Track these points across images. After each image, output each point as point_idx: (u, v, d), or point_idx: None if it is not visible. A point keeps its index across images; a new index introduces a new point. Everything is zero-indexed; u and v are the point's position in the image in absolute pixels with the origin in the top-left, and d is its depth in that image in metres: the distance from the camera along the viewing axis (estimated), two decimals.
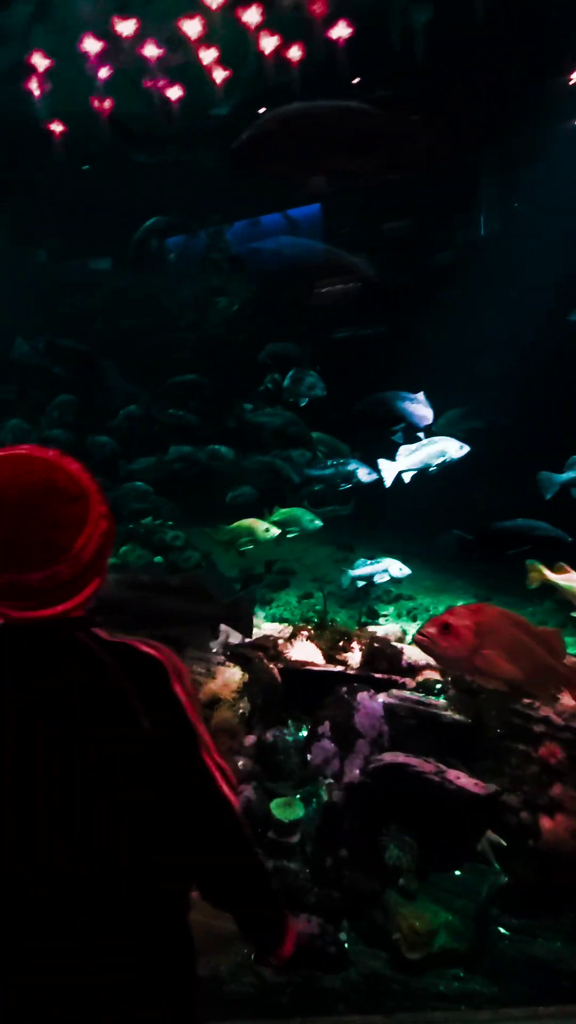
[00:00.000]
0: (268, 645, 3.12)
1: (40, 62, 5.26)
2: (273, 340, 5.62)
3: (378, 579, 4.95)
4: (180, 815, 0.89)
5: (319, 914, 1.89)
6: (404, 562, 5.09)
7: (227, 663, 3.16)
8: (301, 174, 2.26)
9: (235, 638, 3.27)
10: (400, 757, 2.10)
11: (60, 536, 0.83)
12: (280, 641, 3.16)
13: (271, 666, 2.96)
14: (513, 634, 1.71)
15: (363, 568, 4.94)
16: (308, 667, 2.89)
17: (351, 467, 4.88)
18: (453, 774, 2.04)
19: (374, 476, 4.61)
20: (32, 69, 5.26)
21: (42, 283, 7.47)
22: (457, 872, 1.98)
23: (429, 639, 1.68)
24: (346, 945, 1.85)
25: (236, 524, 4.82)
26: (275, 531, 4.90)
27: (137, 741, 0.85)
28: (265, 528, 4.85)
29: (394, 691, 2.64)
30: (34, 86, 5.41)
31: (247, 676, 3.00)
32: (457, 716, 2.41)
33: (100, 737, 0.84)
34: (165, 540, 5.66)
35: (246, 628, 2.69)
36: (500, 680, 1.70)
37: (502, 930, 1.77)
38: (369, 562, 4.97)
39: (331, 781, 2.37)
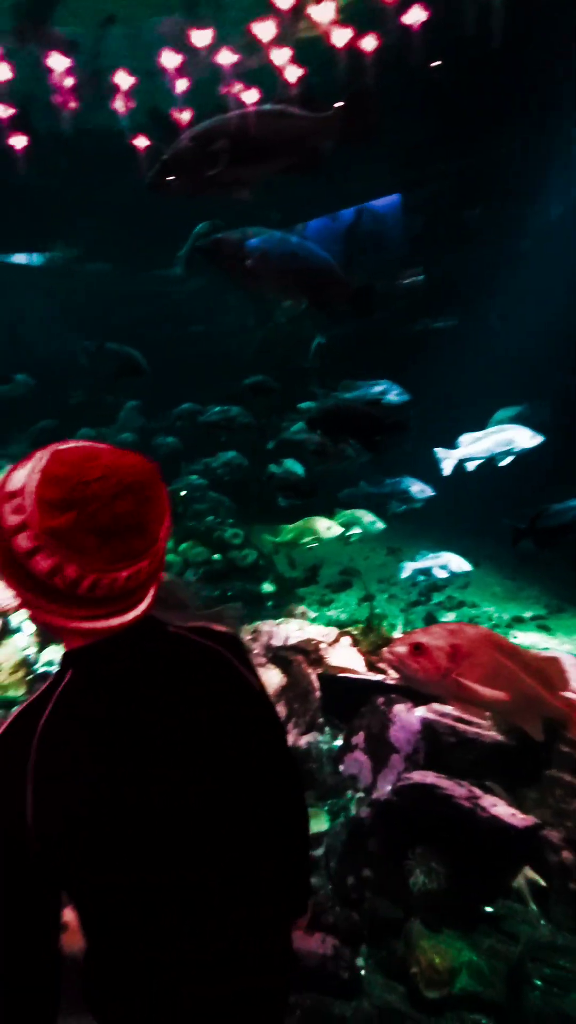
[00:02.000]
0: (310, 649, 3.06)
1: (123, 80, 5.51)
2: (332, 336, 5.53)
3: (437, 573, 4.73)
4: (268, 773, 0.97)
5: (336, 935, 1.81)
6: (473, 566, 4.85)
7: (267, 665, 3.13)
8: (215, 188, 2.24)
9: (277, 640, 3.24)
10: (430, 777, 1.97)
11: (155, 527, 0.77)
12: (322, 645, 3.09)
13: (309, 671, 2.90)
14: (495, 659, 1.55)
15: (422, 560, 4.75)
16: (346, 674, 2.80)
17: (407, 484, 4.72)
18: (488, 801, 1.88)
19: (428, 493, 4.44)
20: (114, 87, 5.52)
21: (112, 293, 7.85)
22: (489, 908, 1.82)
23: (398, 659, 1.55)
24: (362, 972, 1.76)
25: (298, 523, 4.79)
26: (337, 530, 4.82)
27: (259, 704, 0.97)
28: (327, 527, 4.78)
29: (435, 705, 2.49)
30: (119, 104, 5.68)
31: (286, 679, 2.96)
32: (501, 737, 2.23)
33: (241, 714, 0.91)
34: (224, 538, 5.74)
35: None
36: (479, 707, 1.54)
37: (534, 980, 1.59)
38: (429, 555, 4.78)
39: (361, 795, 2.27)
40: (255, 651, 3.15)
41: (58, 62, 5.26)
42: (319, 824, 2.09)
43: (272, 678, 2.98)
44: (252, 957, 0.88)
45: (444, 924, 1.79)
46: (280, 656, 3.06)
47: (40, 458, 0.77)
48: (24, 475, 0.75)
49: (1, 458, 5.02)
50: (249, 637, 3.24)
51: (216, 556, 5.64)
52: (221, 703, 0.89)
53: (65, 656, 0.84)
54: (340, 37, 4.69)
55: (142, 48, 5.34)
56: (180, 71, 5.37)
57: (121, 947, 0.83)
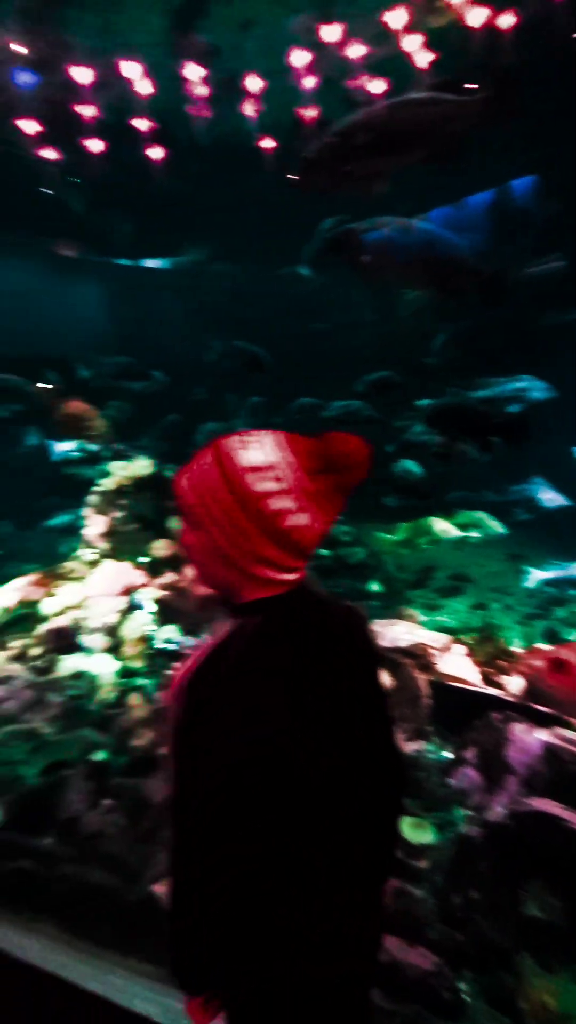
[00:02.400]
0: (419, 653, 2.98)
1: (253, 83, 5.66)
2: (460, 329, 5.26)
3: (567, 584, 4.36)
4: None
5: (437, 953, 1.76)
6: None
7: None
8: (355, 181, 2.14)
9: (386, 641, 3.19)
10: (553, 807, 1.84)
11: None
12: (433, 651, 2.99)
13: (419, 676, 2.83)
14: None
15: (553, 571, 4.40)
16: (459, 684, 2.69)
17: (536, 491, 4.38)
18: None
19: (559, 502, 4.08)
20: (244, 91, 5.68)
21: (238, 292, 8.11)
22: None
23: (534, 673, 1.41)
24: (465, 996, 1.69)
25: (416, 522, 4.67)
26: (455, 532, 4.64)
27: (380, 685, 1.03)
28: (444, 528, 4.62)
29: (560, 730, 2.31)
30: (248, 108, 5.86)
31: (394, 682, 2.91)
32: None
33: (370, 691, 1.00)
34: (333, 534, 5.76)
35: None
36: None
37: None
38: (561, 565, 4.42)
39: (471, 813, 2.18)
40: None
41: (195, 71, 5.50)
42: (424, 836, 2.04)
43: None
44: (351, 941, 0.91)
45: (558, 963, 1.67)
46: (388, 658, 3.01)
47: (270, 440, 0.97)
48: (263, 454, 0.95)
49: (135, 449, 5.44)
50: None
51: (324, 552, 5.68)
52: (358, 675, 0.99)
53: (245, 606, 0.96)
54: (476, 17, 4.46)
55: (273, 49, 5.44)
56: (310, 69, 5.39)
57: (246, 907, 0.87)
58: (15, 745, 2.90)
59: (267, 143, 6.32)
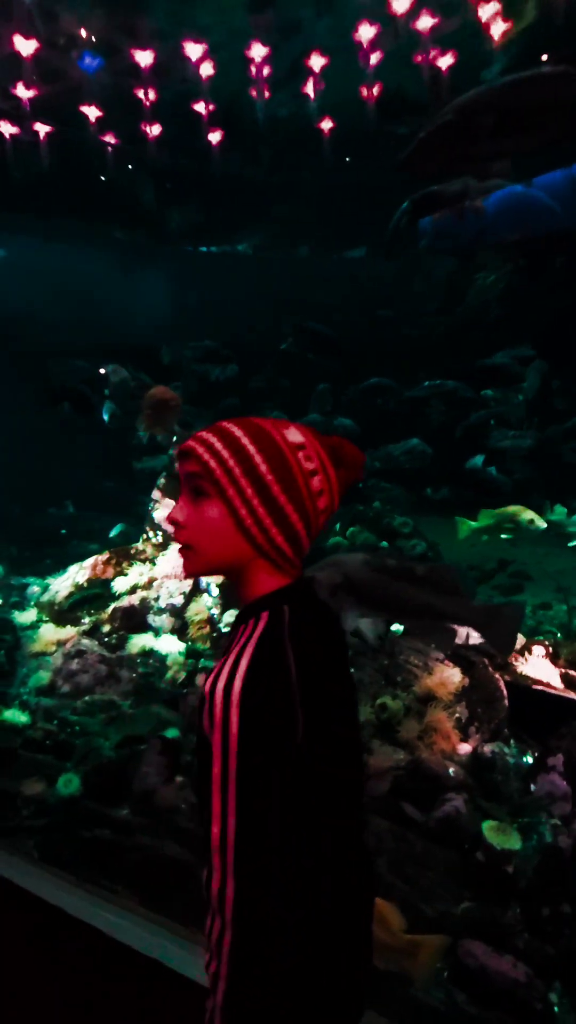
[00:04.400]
0: (494, 653, 2.88)
1: (316, 61, 5.50)
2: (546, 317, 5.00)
3: None
4: None
5: (527, 962, 1.70)
6: None
7: (445, 661, 3.02)
8: (472, 164, 1.98)
9: (459, 638, 3.11)
10: None
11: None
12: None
13: (497, 676, 2.73)
14: None
15: None
16: (542, 688, 2.58)
17: None
18: None
19: None
20: (308, 71, 5.53)
21: (301, 277, 8.02)
22: None
23: None
24: (555, 1009, 1.63)
25: (500, 510, 4.47)
26: (541, 523, 4.45)
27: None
28: (530, 519, 4.43)
29: None
30: (309, 88, 5.71)
31: (467, 680, 2.83)
32: None
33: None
34: (393, 525, 5.66)
35: (506, 644, 2.35)
36: None
37: None
38: None
39: (557, 823, 2.09)
40: (432, 646, 3.06)
41: (261, 51, 5.38)
42: (510, 842, 1.97)
43: (452, 676, 2.87)
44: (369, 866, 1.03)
45: None
46: (461, 655, 2.93)
47: (293, 428, 0.95)
48: (300, 435, 0.94)
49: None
50: None
51: (383, 543, 5.59)
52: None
53: (277, 594, 0.93)
54: None
55: (339, 26, 5.27)
56: (375, 44, 5.19)
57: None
58: (92, 716, 3.00)
59: (327, 124, 6.14)
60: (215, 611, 3.95)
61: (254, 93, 5.75)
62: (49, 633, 3.62)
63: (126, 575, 3.98)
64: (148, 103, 5.59)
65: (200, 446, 0.91)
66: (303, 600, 0.94)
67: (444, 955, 1.70)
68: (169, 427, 3.67)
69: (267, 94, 5.78)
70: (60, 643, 3.53)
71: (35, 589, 4.25)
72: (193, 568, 0.95)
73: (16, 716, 3.00)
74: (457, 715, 2.69)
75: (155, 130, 5.96)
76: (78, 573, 4.02)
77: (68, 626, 3.73)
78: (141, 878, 2.26)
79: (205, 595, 4.00)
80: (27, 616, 3.90)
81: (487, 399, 5.33)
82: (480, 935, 1.79)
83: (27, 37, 4.72)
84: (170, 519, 0.94)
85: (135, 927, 2.05)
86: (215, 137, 6.16)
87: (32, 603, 4.06)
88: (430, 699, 2.74)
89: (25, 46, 4.76)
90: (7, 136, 5.86)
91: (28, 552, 5.60)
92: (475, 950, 1.73)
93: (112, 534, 5.51)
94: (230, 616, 3.96)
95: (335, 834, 0.87)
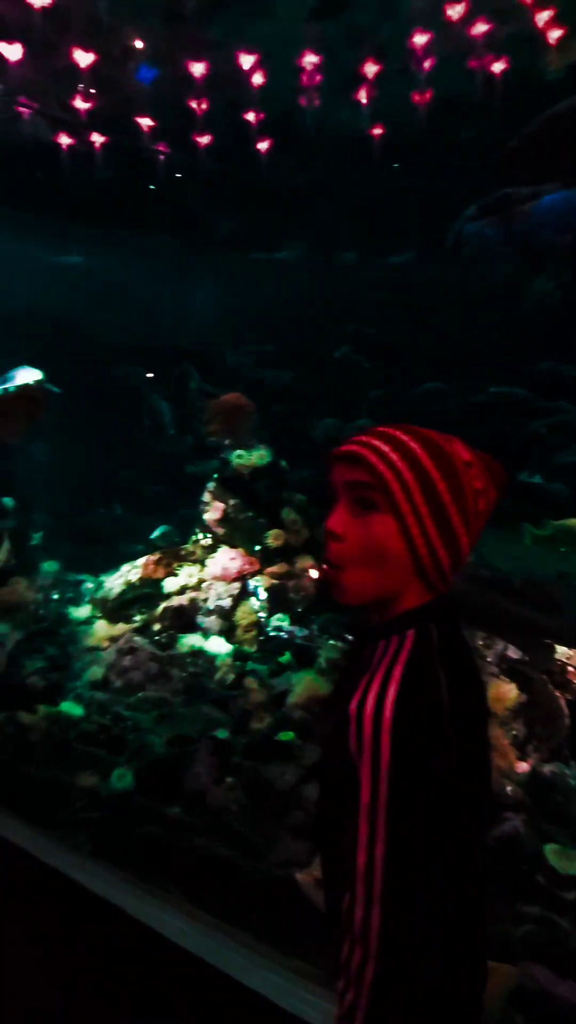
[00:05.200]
0: (555, 669, 2.79)
1: (370, 68, 5.49)
2: None
3: None
4: None
5: None
6: None
7: (500, 677, 2.94)
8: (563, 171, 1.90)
9: (513, 651, 3.02)
10: None
11: None
12: (571, 668, 2.79)
13: (557, 694, 2.64)
14: None
15: None
16: None
17: None
18: None
19: None
20: (362, 77, 5.52)
21: (348, 284, 8.01)
22: None
23: (307, 886, 1.40)
24: None
25: (563, 521, 4.31)
26: None
27: None
28: None
29: None
30: (362, 95, 5.71)
31: (524, 697, 2.74)
32: None
33: None
34: None
35: None
36: None
37: None
38: None
39: None
40: (488, 659, 2.99)
41: (311, 59, 5.40)
42: (574, 867, 1.89)
43: (507, 692, 2.79)
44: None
45: None
46: (518, 670, 2.85)
47: (457, 442, 0.91)
48: (467, 451, 0.90)
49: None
50: (481, 643, 3.09)
51: None
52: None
53: (422, 610, 0.88)
54: None
55: (394, 32, 5.24)
56: (427, 50, 5.14)
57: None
58: (144, 712, 3.05)
59: (378, 130, 6.12)
60: (262, 614, 3.96)
61: (304, 101, 5.80)
62: (102, 629, 3.72)
63: (176, 575, 4.04)
64: (200, 112, 5.71)
65: (372, 454, 0.84)
66: (447, 617, 0.89)
67: (512, 987, 1.64)
68: (240, 434, 3.68)
69: (317, 102, 5.82)
70: (113, 639, 3.62)
71: (89, 586, 4.37)
72: (349, 593, 0.88)
73: (71, 708, 3.09)
74: (514, 732, 2.61)
75: (206, 139, 6.08)
76: (130, 572, 4.11)
77: (120, 623, 3.82)
78: (193, 878, 2.28)
79: (253, 598, 4.03)
80: (82, 611, 4.01)
81: (552, 408, 5.16)
82: (541, 959, 1.72)
83: (86, 50, 4.88)
84: (329, 528, 0.86)
85: (187, 928, 2.06)
86: (264, 145, 6.24)
87: (86, 599, 4.18)
88: None
89: (83, 58, 4.92)
90: (64, 147, 6.09)
91: (80, 549, 5.77)
92: (536, 974, 1.67)
93: (153, 536, 5.62)
94: (277, 620, 3.97)
95: (460, 847, 0.84)
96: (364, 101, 5.73)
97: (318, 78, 5.51)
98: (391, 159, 6.84)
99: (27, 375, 4.48)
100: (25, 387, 3.43)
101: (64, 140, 6.05)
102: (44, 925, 2.11)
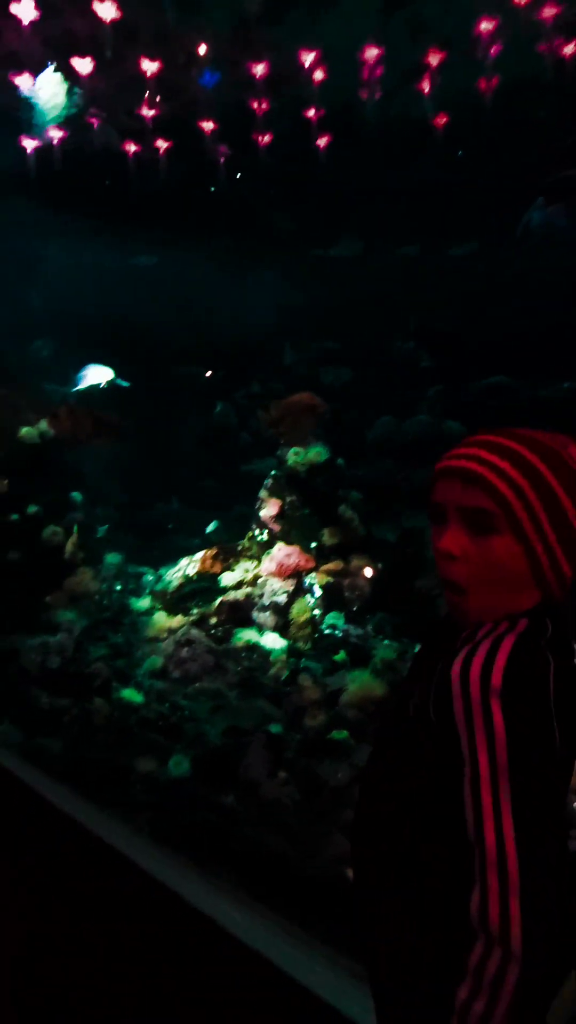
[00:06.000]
0: None
1: (433, 58, 5.33)
2: None
3: None
4: None
5: None
6: None
7: None
8: None
9: None
10: None
11: None
12: None
13: None
14: None
15: None
16: None
17: None
18: None
19: None
20: (426, 67, 5.37)
21: (410, 276, 7.84)
22: None
23: None
24: None
25: None
26: None
27: None
28: None
29: None
30: (425, 85, 5.56)
31: None
32: None
33: None
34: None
35: None
36: None
37: None
38: None
39: None
40: None
41: (373, 52, 5.29)
42: None
43: None
44: None
45: None
46: None
47: (568, 444, 0.82)
48: None
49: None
50: None
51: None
52: None
53: (537, 607, 0.83)
54: None
55: (456, 18, 5.06)
56: (493, 36, 4.92)
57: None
58: (200, 702, 3.13)
59: (442, 120, 5.95)
60: (317, 612, 3.97)
61: (365, 95, 5.72)
62: (162, 620, 3.84)
63: (233, 571, 4.11)
64: (260, 112, 5.75)
65: (491, 473, 0.79)
66: (559, 619, 0.84)
67: None
68: (307, 434, 3.66)
69: (378, 95, 5.72)
70: (172, 631, 3.73)
71: (149, 578, 4.53)
72: (473, 615, 0.83)
73: (132, 695, 3.21)
74: None
75: (266, 138, 6.11)
76: (188, 566, 4.22)
77: (179, 615, 3.93)
78: (246, 867, 2.32)
79: (308, 595, 4.04)
80: (143, 603, 4.16)
81: None
82: None
83: (152, 59, 5.01)
84: (445, 550, 0.82)
85: (244, 918, 2.10)
86: (324, 141, 6.20)
87: (147, 591, 4.33)
88: None
89: (149, 67, 5.06)
90: (130, 153, 6.29)
91: (140, 542, 5.99)
92: None
93: (208, 530, 5.73)
94: (332, 618, 3.96)
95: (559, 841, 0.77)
96: (427, 91, 5.59)
97: (379, 71, 5.43)
98: (455, 148, 6.65)
99: (99, 373, 4.68)
100: (99, 415, 3.56)
101: (131, 147, 6.26)
102: (102, 904, 2.20)
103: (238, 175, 7.00)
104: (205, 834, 2.43)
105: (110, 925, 2.09)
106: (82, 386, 4.93)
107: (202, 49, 5.24)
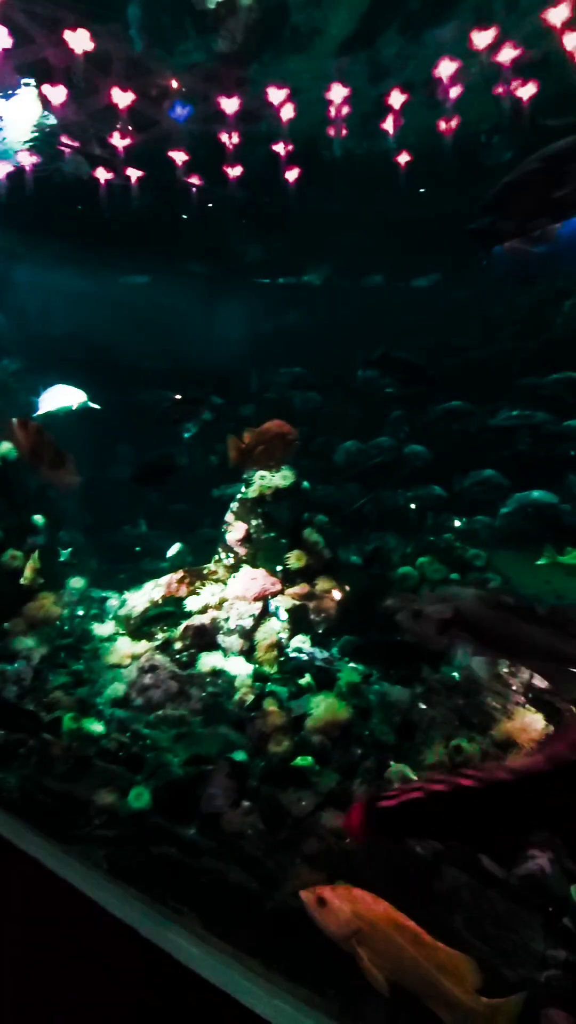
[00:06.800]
0: None
1: (397, 98, 5.63)
2: None
3: None
4: None
5: None
6: None
7: (526, 705, 2.87)
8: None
9: (539, 680, 2.95)
10: None
11: None
12: None
13: None
14: (395, 942, 1.57)
15: None
16: None
17: None
18: None
19: None
20: (388, 108, 5.66)
21: (373, 306, 8.10)
22: None
23: (306, 902, 1.66)
24: None
25: None
26: None
27: None
28: None
29: None
30: (388, 124, 5.85)
31: (551, 727, 2.67)
32: None
33: None
34: (464, 557, 5.48)
35: None
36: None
37: None
38: None
39: None
40: (514, 688, 2.92)
41: (340, 92, 5.57)
42: None
43: (534, 722, 2.72)
44: None
45: None
46: (544, 700, 2.78)
47: None
48: None
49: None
50: (506, 671, 3.02)
51: (454, 575, 5.42)
52: None
53: None
54: None
55: (416, 61, 5.36)
56: (454, 79, 5.25)
57: None
58: (162, 731, 3.06)
59: (404, 158, 6.27)
60: (283, 635, 3.96)
61: (332, 132, 5.97)
62: (125, 646, 3.76)
63: (199, 594, 4.08)
64: (231, 146, 5.93)
65: None
66: None
67: (521, 1019, 1.58)
68: (280, 462, 3.66)
69: (344, 132, 5.98)
70: (135, 657, 3.65)
71: (113, 602, 4.44)
72: None
73: (92, 725, 3.12)
74: None
75: (236, 171, 6.30)
76: (154, 590, 4.17)
77: (143, 640, 3.86)
78: (207, 902, 2.26)
79: (274, 619, 4.03)
80: (105, 628, 4.07)
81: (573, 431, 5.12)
82: (565, 1004, 1.64)
83: (124, 90, 5.13)
84: None
85: (202, 953, 2.04)
86: (292, 175, 6.42)
87: (110, 616, 4.24)
88: (509, 745, 2.61)
89: (122, 98, 5.18)
90: (102, 181, 6.38)
91: (105, 566, 5.88)
92: (559, 1019, 1.60)
93: (170, 554, 5.60)
94: (298, 641, 3.95)
95: None
96: (391, 131, 5.88)
97: (345, 109, 5.69)
98: (417, 184, 6.98)
99: (69, 395, 4.59)
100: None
101: (102, 175, 6.35)
102: (55, 940, 2.11)
103: (209, 205, 7.15)
104: (165, 868, 2.36)
105: (58, 959, 2.00)
106: (50, 407, 4.77)
107: (174, 83, 5.40)
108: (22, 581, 4.13)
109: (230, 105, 5.54)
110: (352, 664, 3.61)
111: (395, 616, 1.82)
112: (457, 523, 5.59)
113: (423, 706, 3.08)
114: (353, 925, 1.58)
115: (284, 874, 2.29)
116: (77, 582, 4.61)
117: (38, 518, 4.71)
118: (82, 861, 2.41)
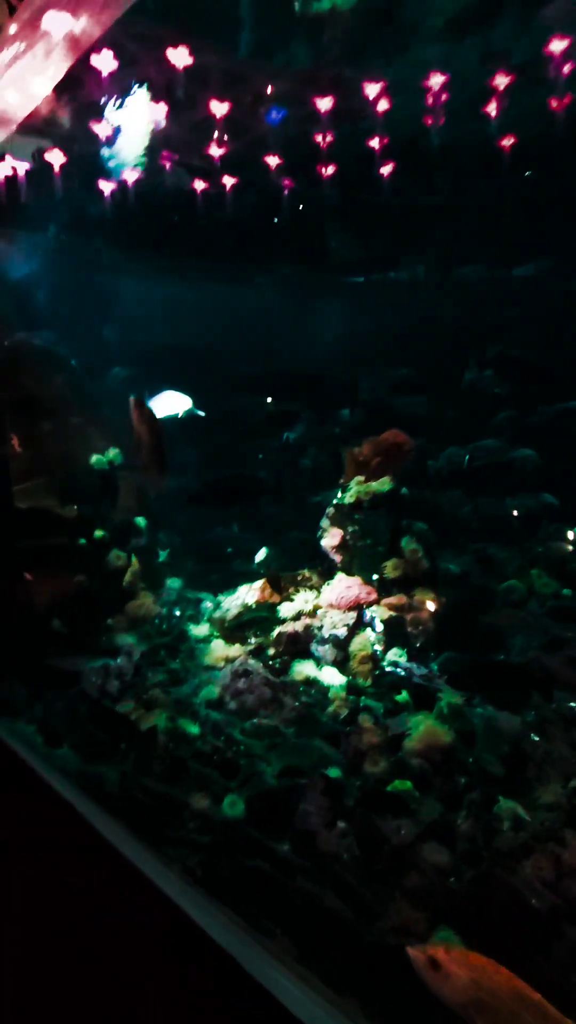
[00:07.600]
0: None
1: (501, 80, 5.23)
2: None
3: None
4: None
5: None
6: None
7: None
8: None
9: None
10: None
11: None
12: None
13: None
14: (520, 1017, 1.37)
15: None
16: None
17: None
18: None
19: None
20: (492, 90, 5.27)
21: (476, 299, 7.62)
22: None
23: (416, 962, 1.50)
24: None
25: None
26: None
27: None
28: None
29: None
30: (492, 108, 5.45)
31: None
32: None
33: None
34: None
35: None
36: None
37: None
38: None
39: None
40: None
41: (438, 79, 5.24)
42: None
43: None
44: None
45: None
46: None
47: None
48: None
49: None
50: None
51: (566, 591, 4.95)
52: None
53: None
54: None
55: (525, 40, 4.93)
56: (564, 56, 4.75)
57: None
58: (256, 739, 3.03)
59: (508, 141, 5.81)
60: (378, 647, 3.79)
61: (430, 121, 5.68)
62: (219, 649, 3.79)
63: (292, 600, 4.02)
64: (325, 145, 5.82)
65: None
66: None
67: None
68: (397, 472, 3.53)
69: (443, 120, 5.67)
70: (229, 660, 3.67)
71: (208, 604, 4.51)
72: None
73: (188, 725, 3.15)
74: None
75: (330, 169, 6.18)
76: (247, 594, 4.17)
77: (237, 644, 3.87)
78: (300, 924, 2.17)
79: (369, 629, 3.87)
80: (200, 629, 4.14)
81: None
82: None
83: (221, 100, 5.19)
84: None
85: (291, 985, 1.95)
86: (387, 169, 6.19)
87: (205, 617, 4.31)
88: None
89: (219, 108, 5.24)
90: (199, 192, 6.54)
91: (200, 567, 6.02)
92: None
93: (257, 559, 5.55)
94: (393, 654, 3.77)
95: None
96: (493, 114, 5.49)
97: (444, 96, 5.39)
98: (522, 168, 6.47)
99: (176, 402, 4.76)
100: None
101: (200, 185, 6.52)
102: (145, 946, 2.12)
103: (300, 207, 7.11)
104: (258, 883, 2.31)
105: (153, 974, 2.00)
106: (160, 414, 4.99)
107: (268, 89, 5.39)
108: (124, 582, 4.31)
109: (330, 105, 5.43)
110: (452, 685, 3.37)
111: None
112: (571, 534, 5.10)
113: (536, 737, 2.80)
114: (472, 993, 1.41)
115: (382, 907, 2.15)
116: (174, 582, 4.74)
117: (140, 520, 4.91)
118: (176, 868, 2.42)
